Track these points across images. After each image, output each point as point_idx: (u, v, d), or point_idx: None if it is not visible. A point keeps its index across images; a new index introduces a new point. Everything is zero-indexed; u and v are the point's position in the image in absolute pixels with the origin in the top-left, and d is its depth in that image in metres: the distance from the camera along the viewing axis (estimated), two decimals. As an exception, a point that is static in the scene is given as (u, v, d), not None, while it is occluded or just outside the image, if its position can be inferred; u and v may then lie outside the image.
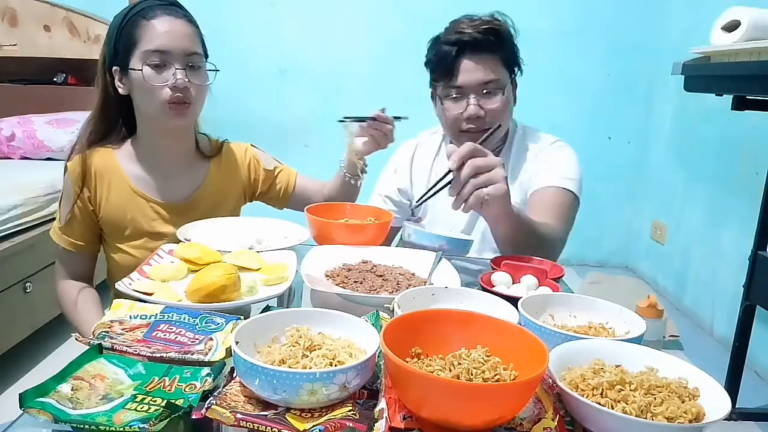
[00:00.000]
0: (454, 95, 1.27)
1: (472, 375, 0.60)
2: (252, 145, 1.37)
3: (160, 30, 1.08)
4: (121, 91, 1.14)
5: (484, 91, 1.26)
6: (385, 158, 1.53)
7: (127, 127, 1.23)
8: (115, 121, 1.22)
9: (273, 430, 0.55)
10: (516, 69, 1.33)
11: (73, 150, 1.20)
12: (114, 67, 1.13)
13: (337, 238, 1.10)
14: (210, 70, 1.17)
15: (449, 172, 0.98)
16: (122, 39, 1.10)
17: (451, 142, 1.44)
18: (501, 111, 1.27)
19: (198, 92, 1.14)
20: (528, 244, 1.10)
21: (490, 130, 1.13)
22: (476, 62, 1.25)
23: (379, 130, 1.24)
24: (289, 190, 1.36)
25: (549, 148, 1.37)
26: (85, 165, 1.17)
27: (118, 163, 1.19)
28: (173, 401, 0.59)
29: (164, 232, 1.19)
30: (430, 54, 1.32)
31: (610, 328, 0.79)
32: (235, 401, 0.59)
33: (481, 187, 0.94)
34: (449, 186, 0.98)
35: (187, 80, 1.10)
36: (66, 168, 1.18)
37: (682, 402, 0.59)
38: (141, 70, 1.08)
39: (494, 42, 1.25)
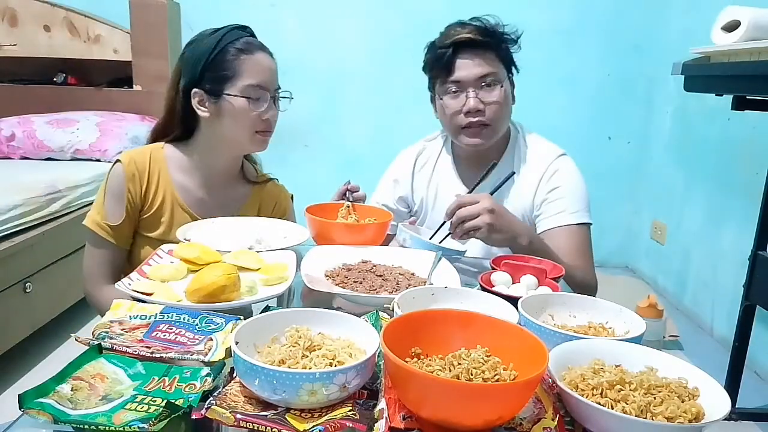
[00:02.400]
0: (453, 90, 1.29)
1: (472, 375, 0.60)
2: (292, 197, 1.41)
3: (263, 67, 1.17)
4: (200, 113, 1.18)
5: (483, 84, 1.28)
6: (381, 164, 1.54)
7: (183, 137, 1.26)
8: (176, 132, 1.25)
9: (273, 430, 0.55)
10: (513, 68, 1.35)
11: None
12: (194, 90, 1.16)
13: (337, 238, 1.10)
14: (285, 97, 1.23)
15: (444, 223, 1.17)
16: (214, 67, 1.15)
17: (452, 144, 1.44)
18: (500, 105, 1.29)
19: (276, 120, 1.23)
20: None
21: (504, 179, 1.19)
22: (472, 58, 1.28)
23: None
24: None
25: (555, 165, 1.35)
26: (142, 164, 1.19)
27: (167, 166, 1.22)
28: (173, 401, 0.59)
29: None
30: (427, 57, 1.35)
31: (610, 328, 0.79)
32: (235, 401, 0.59)
33: (469, 231, 1.10)
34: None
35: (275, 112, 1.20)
36: (117, 164, 1.18)
37: (682, 402, 0.59)
38: (245, 98, 1.14)
39: (488, 40, 1.28)
